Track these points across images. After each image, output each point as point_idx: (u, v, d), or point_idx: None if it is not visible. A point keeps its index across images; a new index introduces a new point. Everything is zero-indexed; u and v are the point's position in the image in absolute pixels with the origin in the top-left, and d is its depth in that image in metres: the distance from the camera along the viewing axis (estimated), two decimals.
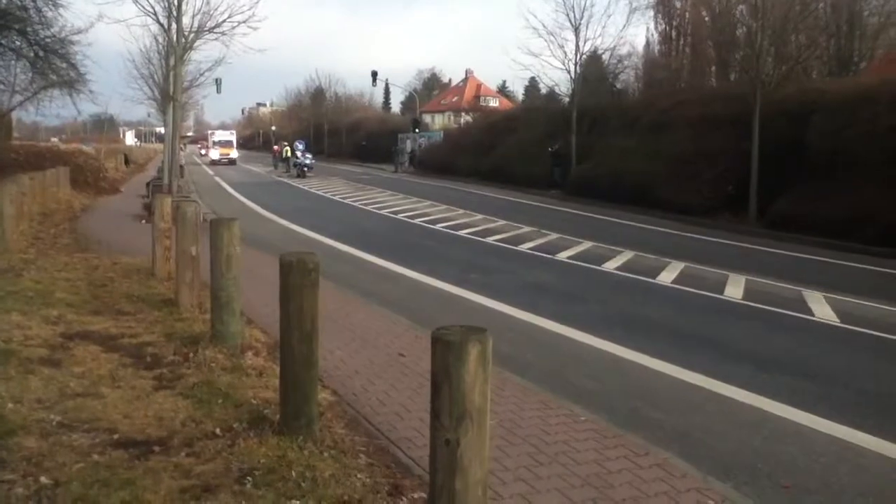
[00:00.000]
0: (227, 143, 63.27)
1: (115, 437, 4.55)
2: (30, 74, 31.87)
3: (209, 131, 77.83)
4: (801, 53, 24.68)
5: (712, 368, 7.38)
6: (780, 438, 5.72)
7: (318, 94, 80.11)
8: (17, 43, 29.85)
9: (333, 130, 71.71)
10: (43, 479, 3.87)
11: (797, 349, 8.59)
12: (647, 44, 41.14)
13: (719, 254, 16.18)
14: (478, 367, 2.92)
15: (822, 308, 10.57)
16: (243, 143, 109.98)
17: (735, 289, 11.82)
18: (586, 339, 8.50)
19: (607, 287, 12.17)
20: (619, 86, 40.47)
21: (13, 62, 31.32)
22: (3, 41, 29.91)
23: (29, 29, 29.32)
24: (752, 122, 21.48)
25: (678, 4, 38.89)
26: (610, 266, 13.85)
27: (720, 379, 7.05)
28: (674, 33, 39.02)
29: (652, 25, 40.00)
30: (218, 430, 4.68)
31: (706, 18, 34.65)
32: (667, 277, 12.72)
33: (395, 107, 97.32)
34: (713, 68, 35.18)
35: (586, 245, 16.48)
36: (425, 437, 4.75)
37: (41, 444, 4.33)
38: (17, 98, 34.23)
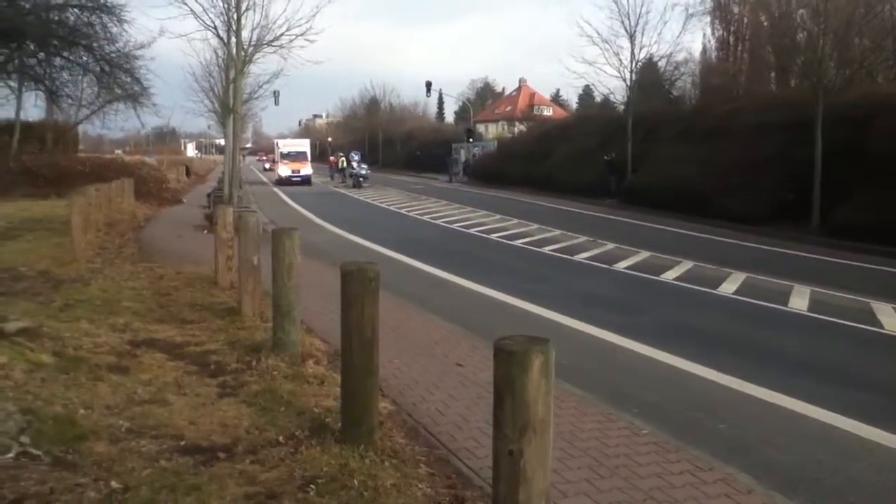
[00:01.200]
0: (300, 157, 49.37)
1: (182, 443, 4.65)
2: (95, 88, 33.06)
3: (276, 140, 61.40)
4: (865, 57, 24.02)
5: (777, 381, 7.21)
6: (846, 453, 5.57)
7: (372, 105, 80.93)
8: (84, 58, 30.99)
9: (388, 140, 72.40)
10: (113, 484, 3.96)
11: (866, 362, 8.34)
12: (704, 50, 40.43)
13: (781, 263, 15.81)
14: (541, 378, 2.91)
15: (891, 320, 10.23)
16: None
17: (800, 300, 11.53)
18: (646, 350, 8.39)
19: (666, 298, 11.98)
20: (675, 93, 39.95)
21: (80, 77, 32.52)
22: (71, 56, 31.04)
23: (95, 45, 30.41)
24: (815, 127, 20.98)
25: (736, 10, 38.22)
26: (669, 276, 13.64)
27: (785, 392, 6.87)
28: (731, 39, 38.32)
29: (709, 31, 39.31)
30: (281, 438, 4.75)
31: (765, 23, 33.99)
32: (728, 288, 12.48)
33: (449, 116, 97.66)
34: (772, 74, 34.46)
35: (644, 255, 16.27)
36: (485, 447, 4.75)
37: (111, 450, 4.44)
38: (84, 112, 35.51)
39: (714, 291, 12.25)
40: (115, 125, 36.24)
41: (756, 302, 11.41)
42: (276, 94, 44.59)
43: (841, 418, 6.23)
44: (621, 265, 14.90)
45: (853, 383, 7.38)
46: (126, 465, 4.23)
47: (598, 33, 32.94)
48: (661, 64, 36.11)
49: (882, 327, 9.89)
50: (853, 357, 8.55)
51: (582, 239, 18.96)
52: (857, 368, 8.02)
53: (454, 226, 22.37)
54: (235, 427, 4.99)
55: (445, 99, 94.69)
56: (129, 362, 6.36)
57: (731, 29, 37.94)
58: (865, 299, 11.61)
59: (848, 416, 6.27)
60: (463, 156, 52.30)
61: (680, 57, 37.67)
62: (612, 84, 48.17)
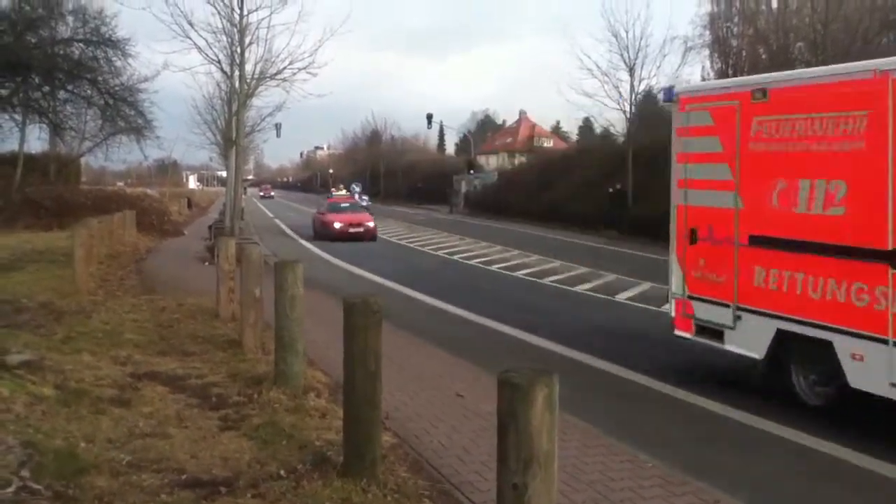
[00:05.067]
0: None
1: (183, 477, 4.62)
2: (99, 121, 33.39)
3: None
4: None
5: (782, 415, 7.15)
6: (860, 486, 5.51)
7: (373, 137, 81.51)
8: (88, 92, 31.35)
9: (389, 172, 72.76)
10: None
11: None
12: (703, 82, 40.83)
13: None
14: (545, 411, 2.90)
15: None
16: (302, 186, 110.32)
17: None
18: (650, 382, 8.34)
19: (668, 329, 11.92)
20: None
21: (84, 110, 32.88)
22: (75, 90, 31.40)
23: (99, 78, 30.80)
24: None
25: (734, 43, 38.67)
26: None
27: (790, 425, 6.81)
28: (730, 71, 38.69)
29: (707, 64, 39.76)
30: (282, 472, 4.72)
31: (763, 56, 34.35)
32: None
33: (450, 148, 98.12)
34: None
35: (645, 286, 16.24)
36: (488, 480, 4.72)
37: (112, 483, 4.41)
38: (87, 144, 35.81)
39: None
40: (118, 157, 36.52)
41: None
42: (278, 127, 44.79)
43: (848, 451, 6.17)
44: (623, 296, 14.88)
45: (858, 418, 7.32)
46: (127, 499, 4.20)
47: (598, 66, 33.05)
48: (661, 96, 36.39)
49: None
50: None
51: (583, 270, 18.96)
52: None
53: (455, 256, 22.39)
54: (237, 461, 4.96)
55: (446, 131, 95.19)
56: (130, 395, 6.34)
57: (730, 62, 38.31)
58: None
59: (856, 449, 6.20)
60: (464, 187, 52.56)
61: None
62: (613, 116, 48.40)
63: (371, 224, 28.15)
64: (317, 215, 31.21)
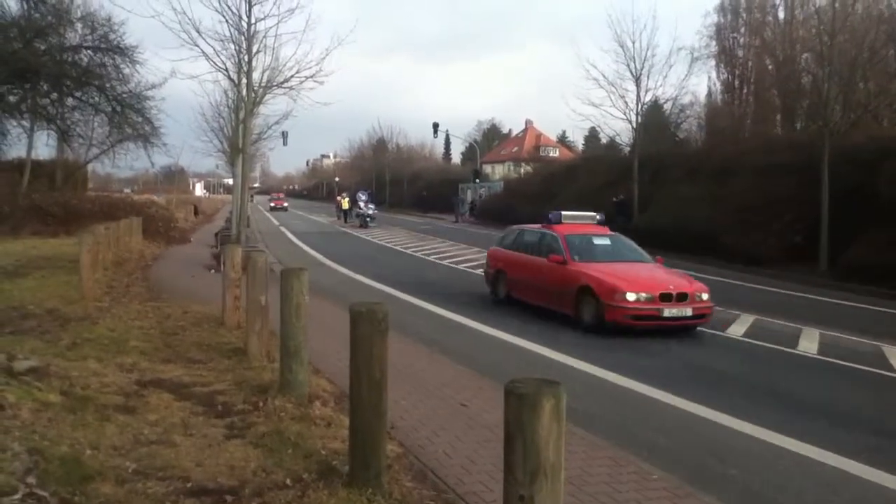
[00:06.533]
0: None
1: (188, 485, 4.61)
2: (107, 128, 33.52)
3: None
4: (870, 101, 24.20)
5: (787, 425, 7.13)
6: (862, 501, 5.48)
7: (379, 145, 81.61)
8: (96, 98, 31.48)
9: (395, 180, 72.85)
10: None
11: (878, 406, 8.26)
12: (710, 93, 40.92)
13: (790, 305, 15.73)
14: (552, 422, 2.89)
15: None
16: (307, 194, 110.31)
17: (809, 342, 11.46)
18: (653, 392, 8.31)
19: (674, 339, 11.90)
20: (681, 135, 40.24)
21: (92, 116, 33.03)
22: (83, 97, 31.55)
23: (107, 85, 30.91)
24: (821, 170, 21.05)
25: (740, 53, 38.73)
26: None
27: (795, 436, 6.79)
28: (737, 82, 38.79)
29: (714, 74, 39.86)
30: (288, 481, 4.71)
31: (770, 67, 34.37)
32: (737, 330, 12.41)
33: (456, 157, 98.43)
34: (778, 116, 34.75)
35: None
36: (494, 491, 4.70)
37: (117, 491, 4.41)
38: (94, 151, 35.95)
39: (723, 333, 12.19)
40: (125, 164, 36.73)
41: (765, 344, 11.34)
42: (284, 135, 44.87)
43: (855, 464, 6.14)
44: None
45: (866, 428, 7.29)
46: None
47: (604, 76, 32.99)
48: (667, 106, 36.39)
49: (894, 370, 9.80)
50: (865, 401, 8.46)
51: None
52: (869, 412, 7.93)
53: (460, 266, 22.36)
54: (242, 469, 4.95)
55: (452, 140, 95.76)
56: (136, 402, 6.34)
57: (736, 72, 38.39)
58: (876, 342, 11.53)
59: (861, 461, 6.18)
60: (469, 196, 52.65)
61: (685, 100, 37.99)
62: (618, 126, 48.44)
63: (706, 297, 12.10)
64: (552, 266, 13.26)
